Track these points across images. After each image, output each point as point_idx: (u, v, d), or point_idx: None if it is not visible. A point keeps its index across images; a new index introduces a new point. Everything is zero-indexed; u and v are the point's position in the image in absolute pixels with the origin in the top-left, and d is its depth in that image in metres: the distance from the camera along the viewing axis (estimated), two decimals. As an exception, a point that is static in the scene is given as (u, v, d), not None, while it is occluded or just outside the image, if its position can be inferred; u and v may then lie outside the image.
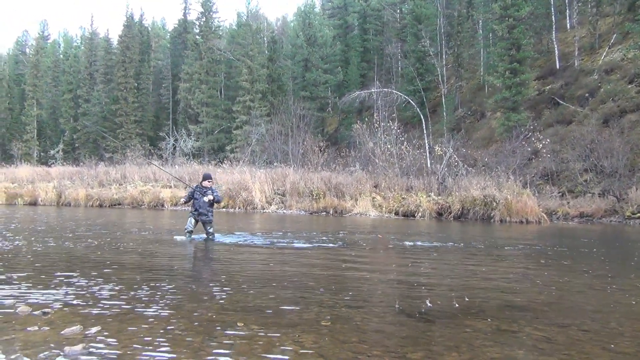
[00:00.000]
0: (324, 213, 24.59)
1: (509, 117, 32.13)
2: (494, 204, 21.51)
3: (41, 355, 3.31)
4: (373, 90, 35.24)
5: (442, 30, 46.54)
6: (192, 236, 10.92)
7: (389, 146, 27.63)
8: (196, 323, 4.13)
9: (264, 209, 25.99)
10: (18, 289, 5.40)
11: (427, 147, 30.58)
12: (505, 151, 28.08)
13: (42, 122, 58.44)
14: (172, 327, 4.01)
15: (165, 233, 12.71)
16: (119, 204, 29.60)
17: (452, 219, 22.44)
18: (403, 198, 24.17)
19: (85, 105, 55.91)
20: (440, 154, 26.32)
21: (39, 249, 8.96)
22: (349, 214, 24.02)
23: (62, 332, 3.75)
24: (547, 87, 36.42)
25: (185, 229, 10.91)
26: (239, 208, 26.41)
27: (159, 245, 10.08)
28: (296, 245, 10.35)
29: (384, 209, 24.00)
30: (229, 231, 13.29)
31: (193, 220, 10.96)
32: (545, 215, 21.52)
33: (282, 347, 3.55)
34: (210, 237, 11.03)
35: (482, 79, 43.05)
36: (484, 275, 7.07)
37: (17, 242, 9.78)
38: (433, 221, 21.95)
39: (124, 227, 15.25)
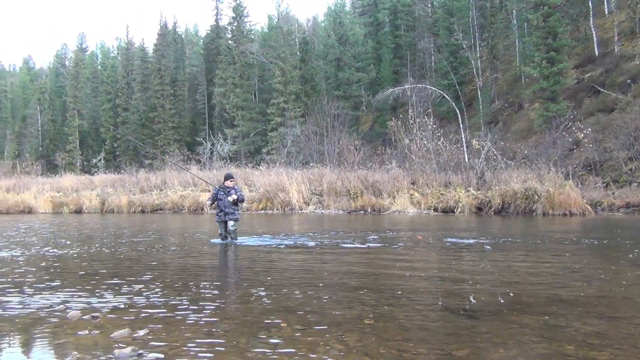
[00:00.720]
0: (362, 212, 24.54)
1: (547, 107, 31.46)
2: (536, 197, 21.08)
3: (92, 358, 3.40)
4: (407, 86, 35.02)
5: (475, 22, 45.88)
6: (227, 240, 10.85)
7: (425, 142, 27.38)
8: (240, 324, 4.17)
9: (301, 209, 26.09)
10: (68, 294, 5.56)
11: (464, 142, 30.19)
12: (545, 142, 27.51)
13: (83, 132, 60.05)
14: (217, 328, 4.05)
15: (206, 237, 12.88)
16: (160, 209, 30.20)
17: (492, 213, 22.09)
18: (441, 194, 23.94)
19: (124, 114, 57.19)
20: (478, 148, 25.90)
21: (87, 255, 9.20)
22: (387, 211, 23.91)
23: (112, 336, 3.84)
24: (587, 75, 35.47)
25: (220, 235, 10.95)
26: (277, 209, 26.60)
27: (201, 249, 10.21)
28: (336, 244, 10.34)
29: (422, 205, 23.82)
30: (269, 233, 13.38)
31: (223, 225, 10.87)
32: (589, 207, 20.98)
33: (326, 347, 3.55)
34: (232, 235, 10.80)
35: (518, 69, 42.24)
36: (529, 270, 6.91)
37: (67, 249, 10.07)
38: (473, 216, 21.65)
39: (167, 232, 15.54)
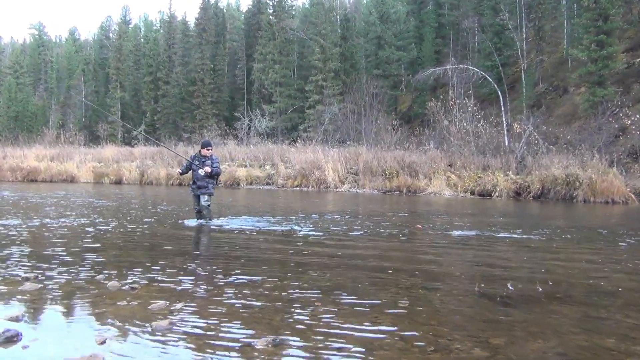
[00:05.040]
0: (397, 192, 24.37)
1: (594, 92, 30.40)
2: (577, 183, 20.55)
3: (130, 328, 3.48)
4: (448, 67, 34.30)
5: (522, 2, 44.45)
6: (200, 220, 9.85)
7: (464, 124, 26.88)
8: (275, 301, 4.20)
9: (337, 187, 26.06)
10: (108, 265, 5.70)
11: (504, 125, 29.53)
12: (590, 128, 26.66)
13: (125, 104, 60.96)
14: (252, 305, 4.09)
15: (240, 213, 13.00)
16: (197, 183, 30.55)
17: (531, 198, 21.66)
18: (479, 177, 23.56)
19: (165, 87, 57.75)
20: (520, 131, 25.30)
21: (128, 228, 9.41)
22: (423, 193, 23.69)
23: (150, 307, 3.91)
24: (638, 60, 34.11)
25: (195, 210, 10.02)
26: (312, 187, 26.62)
27: (236, 228, 10.22)
28: (368, 227, 10.31)
29: (459, 188, 23.50)
30: (304, 211, 13.42)
31: (196, 200, 9.86)
32: (633, 196, 20.34)
33: (360, 328, 3.54)
34: (205, 212, 9.73)
35: (565, 52, 40.86)
36: (569, 259, 6.75)
37: (111, 221, 10.32)
38: (510, 201, 21.28)
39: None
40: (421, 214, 13.97)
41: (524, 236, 8.87)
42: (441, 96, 30.96)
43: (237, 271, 5.46)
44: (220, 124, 46.52)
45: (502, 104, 32.14)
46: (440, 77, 35.90)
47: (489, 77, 33.93)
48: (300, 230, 9.23)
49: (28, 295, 4.29)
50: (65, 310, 3.93)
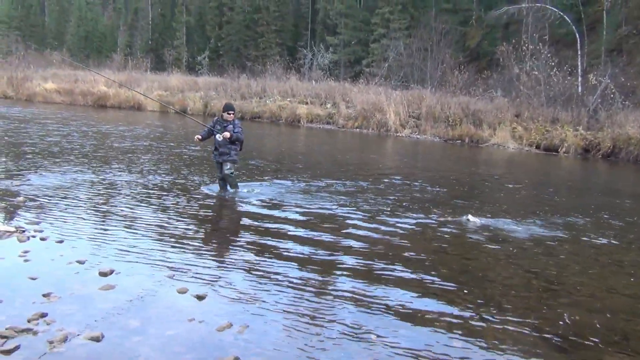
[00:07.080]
0: (459, 141, 23.89)
1: (682, 39, 28.15)
2: (652, 144, 19.58)
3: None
4: (524, 5, 32.38)
5: None
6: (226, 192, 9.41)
7: (535, 73, 25.61)
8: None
9: (397, 132, 25.77)
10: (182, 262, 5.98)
11: (579, 71, 27.98)
12: (673, 81, 24.90)
13: (190, 28, 61.15)
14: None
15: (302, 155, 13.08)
16: (259, 117, 30.86)
17: (600, 157, 20.80)
18: (547, 130, 22.70)
19: (229, 14, 57.38)
20: (595, 83, 23.92)
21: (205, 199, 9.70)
22: (486, 144, 23.14)
23: (216, 329, 4.14)
24: None
25: (217, 177, 9.57)
26: (372, 130, 26.44)
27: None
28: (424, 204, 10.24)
29: (524, 141, 22.77)
30: (356, 170, 13.39)
31: (219, 167, 9.33)
32: None
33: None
34: (229, 181, 9.32)
35: (655, -10, 37.58)
36: (636, 274, 6.32)
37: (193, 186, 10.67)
38: (578, 160, 20.53)
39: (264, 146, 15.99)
40: (478, 184, 13.74)
41: (587, 237, 7.89)
42: (513, 39, 29.35)
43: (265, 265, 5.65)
44: (283, 53, 46.10)
45: (578, 47, 30.34)
46: (514, 15, 34.03)
47: (567, 18, 31.89)
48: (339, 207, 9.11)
49: (107, 302, 4.44)
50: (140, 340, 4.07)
